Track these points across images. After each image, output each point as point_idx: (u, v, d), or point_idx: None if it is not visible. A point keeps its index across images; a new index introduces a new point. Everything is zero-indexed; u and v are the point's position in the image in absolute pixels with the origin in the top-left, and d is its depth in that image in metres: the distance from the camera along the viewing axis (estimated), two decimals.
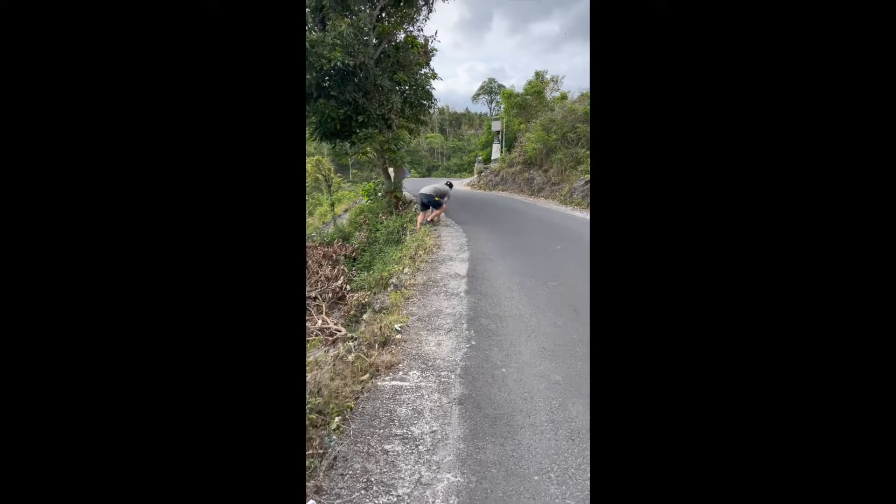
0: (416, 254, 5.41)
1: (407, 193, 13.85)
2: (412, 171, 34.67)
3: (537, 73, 21.37)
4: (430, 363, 2.48)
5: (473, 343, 2.72)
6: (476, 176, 22.04)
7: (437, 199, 7.60)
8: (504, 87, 27.94)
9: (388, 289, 4.12)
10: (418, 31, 10.37)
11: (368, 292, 5.09)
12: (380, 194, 12.11)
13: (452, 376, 2.32)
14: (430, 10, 10.22)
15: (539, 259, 4.85)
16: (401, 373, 2.37)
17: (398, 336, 2.83)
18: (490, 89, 43.52)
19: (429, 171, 39.15)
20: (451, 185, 7.91)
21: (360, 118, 8.88)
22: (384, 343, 2.71)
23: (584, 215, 8.53)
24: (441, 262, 4.92)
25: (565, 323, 2.99)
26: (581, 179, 10.54)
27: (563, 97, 17.86)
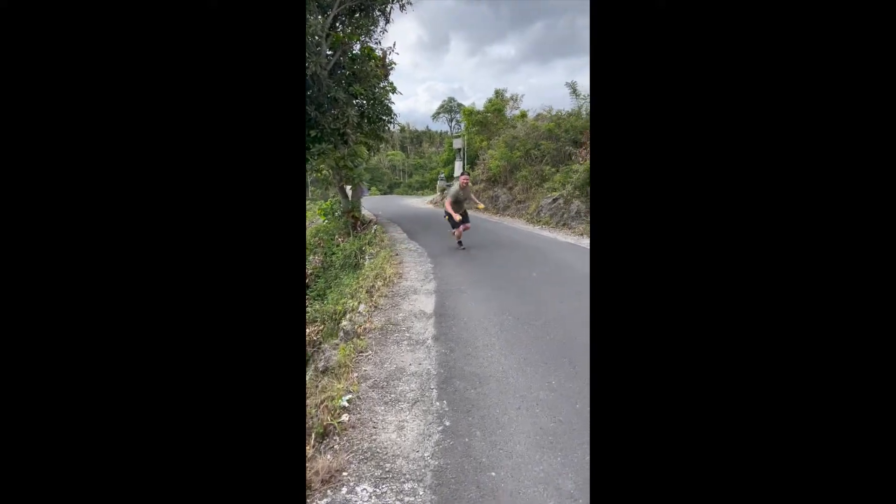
0: (374, 285, 4.66)
1: (366, 212, 13.08)
2: (372, 188, 33.91)
3: (497, 92, 21.42)
4: (387, 467, 1.75)
5: (447, 424, 2.03)
6: (439, 193, 21.62)
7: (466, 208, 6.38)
8: (464, 105, 28.00)
9: (338, 336, 3.36)
10: (376, 43, 9.85)
11: (320, 326, 4.37)
12: (337, 214, 11.27)
13: (421, 491, 1.61)
14: (387, 21, 9.71)
15: (515, 290, 4.25)
16: (344, 489, 1.63)
17: (345, 418, 2.08)
18: (450, 108, 43.83)
19: (390, 189, 38.61)
20: (466, 174, 6.79)
21: (314, 133, 8.14)
22: (323, 435, 1.95)
23: (554, 235, 8.11)
24: (403, 296, 4.21)
25: (561, 383, 2.36)
26: (548, 197, 10.21)
27: (524, 115, 17.87)
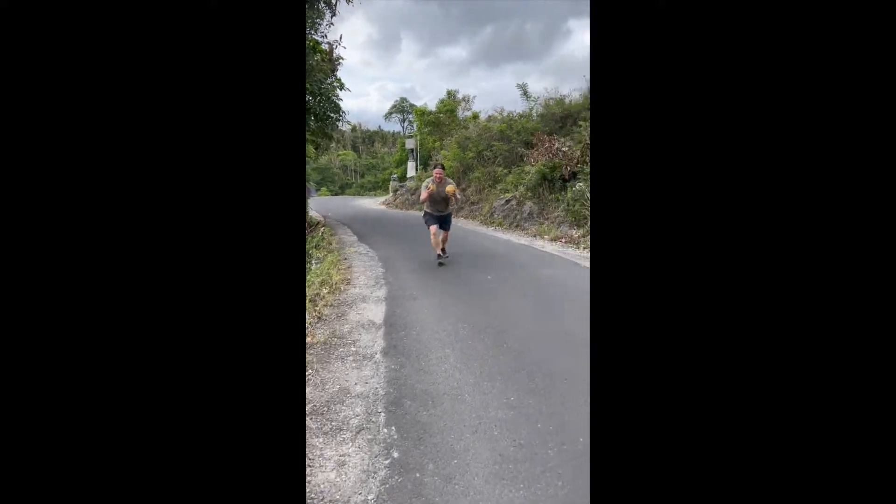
0: (318, 293, 4.31)
1: (314, 213, 12.48)
2: (322, 189, 32.81)
3: (449, 93, 21.38)
4: None
5: (396, 456, 1.78)
6: (392, 194, 21.21)
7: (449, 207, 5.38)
8: (416, 105, 27.77)
9: None
10: (321, 37, 9.38)
11: None
12: None
13: None
14: (333, 14, 9.29)
15: (470, 295, 4.07)
16: None
17: None
18: (402, 108, 43.47)
19: (342, 189, 37.60)
20: (440, 166, 5.51)
21: None
22: None
23: (508, 237, 8.07)
24: (351, 305, 3.90)
25: (520, 399, 2.18)
26: (501, 199, 10.20)
27: (476, 116, 17.91)
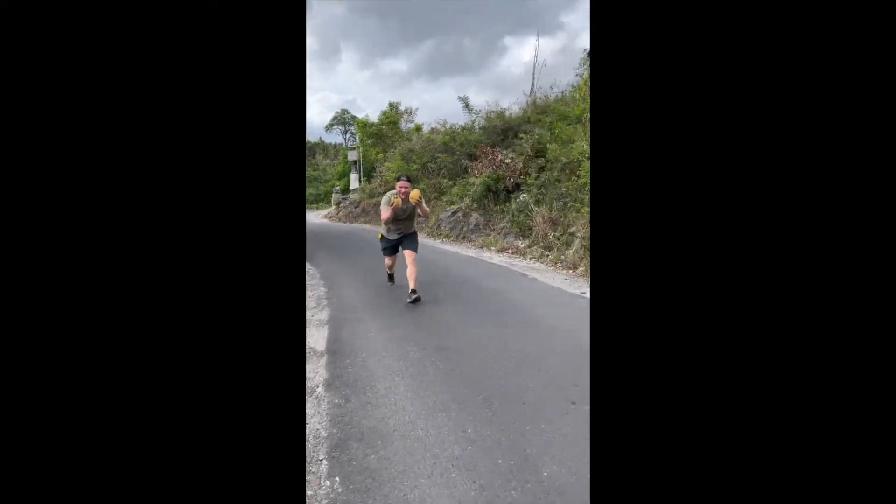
0: None
1: None
2: None
3: (391, 105, 21.24)
4: None
5: None
6: (335, 207, 20.56)
7: (414, 227, 4.35)
8: (357, 117, 27.35)
9: None
10: None
11: None
12: None
13: None
14: None
15: (418, 313, 3.88)
16: None
17: None
18: (344, 119, 42.72)
19: None
20: (407, 179, 4.30)
21: None
22: None
23: (455, 249, 7.99)
24: None
25: (478, 431, 2.02)
26: (447, 210, 10.15)
27: (419, 128, 17.90)
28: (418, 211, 4.18)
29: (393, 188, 4.26)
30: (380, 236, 4.53)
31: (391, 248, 4.43)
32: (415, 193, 4.03)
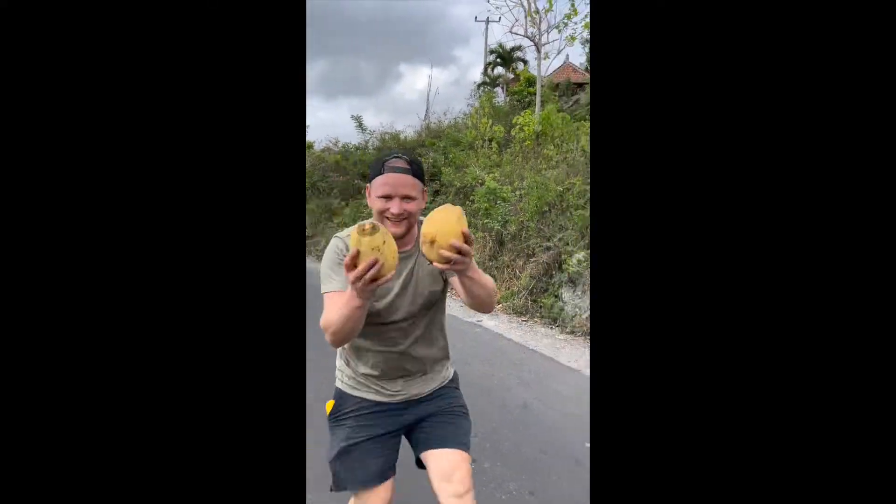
0: None
1: None
2: None
3: None
4: None
5: None
6: None
7: None
8: None
9: None
10: None
11: None
12: None
13: None
14: None
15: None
16: None
17: None
18: None
19: None
20: (409, 164, 0.99)
21: None
22: None
23: None
24: None
25: None
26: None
27: (310, 146, 16.99)
28: (455, 281, 0.96)
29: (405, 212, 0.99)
30: (328, 408, 1.12)
31: (370, 468, 1.05)
32: (450, 215, 0.81)
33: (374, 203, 0.95)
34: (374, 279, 0.75)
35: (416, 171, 0.95)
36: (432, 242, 0.78)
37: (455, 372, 1.17)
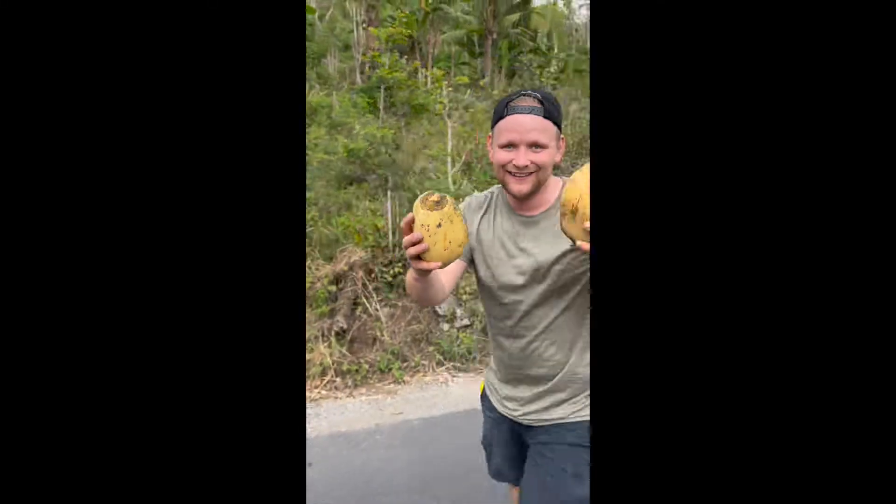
0: None
1: None
2: None
3: None
4: None
5: None
6: None
7: None
8: None
9: None
10: None
11: None
12: None
13: None
14: None
15: None
16: None
17: None
18: None
19: None
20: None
21: None
22: None
23: None
24: None
25: None
26: None
27: None
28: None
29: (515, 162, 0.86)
30: (481, 387, 1.07)
31: (497, 467, 1.05)
32: (577, 204, 0.64)
33: (495, 154, 0.80)
34: (417, 257, 0.68)
35: (549, 110, 0.78)
36: (574, 212, 0.62)
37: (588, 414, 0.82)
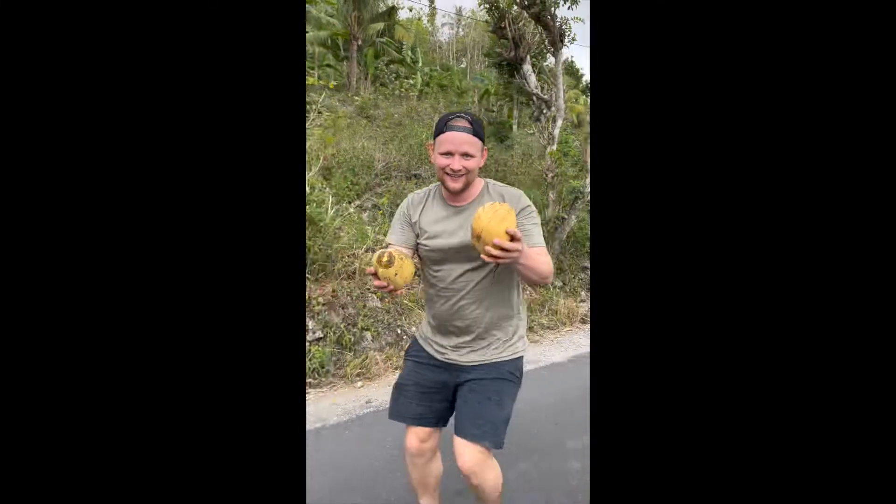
0: None
1: None
2: None
3: None
4: None
5: None
6: None
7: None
8: None
9: None
10: None
11: None
12: None
13: None
14: None
15: None
16: None
17: None
18: None
19: None
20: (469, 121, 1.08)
21: None
22: None
23: None
24: None
25: None
26: None
27: None
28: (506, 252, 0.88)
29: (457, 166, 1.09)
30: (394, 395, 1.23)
31: (409, 409, 1.18)
32: (497, 214, 0.88)
33: (436, 159, 1.06)
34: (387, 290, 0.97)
35: (476, 129, 1.05)
36: (479, 238, 0.86)
37: (521, 356, 1.16)
